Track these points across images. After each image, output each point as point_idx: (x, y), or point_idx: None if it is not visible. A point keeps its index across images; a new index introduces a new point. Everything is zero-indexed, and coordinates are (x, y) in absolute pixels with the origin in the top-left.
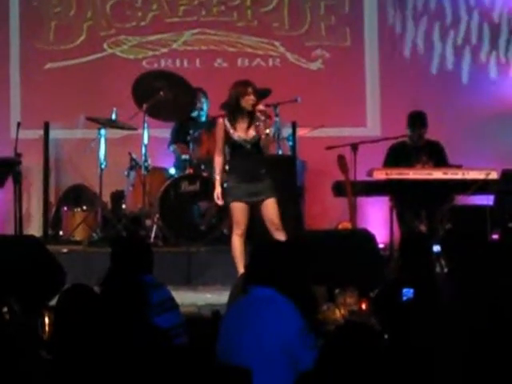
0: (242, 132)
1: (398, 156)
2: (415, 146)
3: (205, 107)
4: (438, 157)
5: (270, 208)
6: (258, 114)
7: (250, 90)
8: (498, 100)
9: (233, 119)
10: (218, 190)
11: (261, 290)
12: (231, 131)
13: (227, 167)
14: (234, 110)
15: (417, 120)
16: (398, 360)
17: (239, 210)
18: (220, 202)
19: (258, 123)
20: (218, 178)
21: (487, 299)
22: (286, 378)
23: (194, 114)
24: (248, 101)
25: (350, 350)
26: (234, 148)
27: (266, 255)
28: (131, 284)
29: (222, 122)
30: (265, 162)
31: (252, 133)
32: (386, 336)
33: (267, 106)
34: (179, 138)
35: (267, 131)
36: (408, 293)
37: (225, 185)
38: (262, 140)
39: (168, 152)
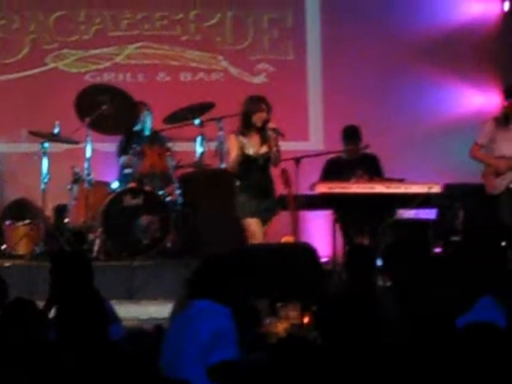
0: (255, 147)
1: (333, 170)
2: (350, 160)
3: (148, 121)
4: (373, 170)
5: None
6: (270, 131)
7: (263, 106)
8: (440, 114)
9: (246, 135)
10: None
11: (199, 302)
12: (246, 146)
13: (238, 183)
14: (245, 126)
15: (349, 134)
16: (337, 372)
17: (254, 224)
18: None
19: (269, 140)
20: None
21: (429, 312)
22: None
23: (138, 127)
24: (260, 117)
25: (290, 364)
26: (247, 163)
27: (207, 269)
28: (91, 298)
29: (234, 137)
30: (272, 179)
31: (264, 148)
32: (327, 349)
33: (211, 120)
34: (126, 151)
35: (275, 148)
36: None
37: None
38: (272, 157)
39: (116, 164)
